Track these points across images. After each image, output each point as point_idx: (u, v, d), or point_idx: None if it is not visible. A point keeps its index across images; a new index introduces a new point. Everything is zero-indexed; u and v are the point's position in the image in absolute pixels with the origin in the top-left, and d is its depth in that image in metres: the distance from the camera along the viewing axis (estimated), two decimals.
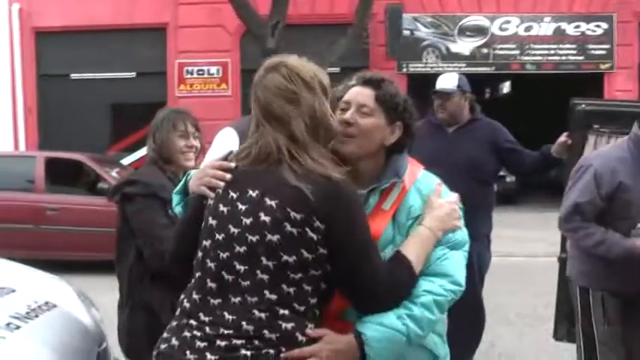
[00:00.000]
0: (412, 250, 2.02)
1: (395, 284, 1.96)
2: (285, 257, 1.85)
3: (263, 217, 1.86)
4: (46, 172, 9.59)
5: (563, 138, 4.25)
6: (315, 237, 1.86)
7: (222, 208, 1.94)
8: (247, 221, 1.88)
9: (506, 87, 25.10)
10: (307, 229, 1.85)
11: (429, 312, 2.00)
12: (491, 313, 6.60)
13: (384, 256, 2.07)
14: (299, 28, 13.87)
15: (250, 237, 1.87)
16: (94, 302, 3.40)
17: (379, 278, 1.93)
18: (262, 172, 1.94)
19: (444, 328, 2.29)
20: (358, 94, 2.19)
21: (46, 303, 2.87)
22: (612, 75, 15.92)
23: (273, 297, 1.85)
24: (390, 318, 1.97)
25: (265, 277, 1.85)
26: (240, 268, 1.88)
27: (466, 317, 4.64)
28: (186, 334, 1.90)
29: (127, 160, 13.69)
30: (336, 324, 2.01)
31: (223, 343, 1.83)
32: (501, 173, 16.85)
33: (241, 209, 1.90)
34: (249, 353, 1.80)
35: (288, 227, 1.85)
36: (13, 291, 2.90)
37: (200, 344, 1.86)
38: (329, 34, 13.26)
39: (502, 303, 7.18)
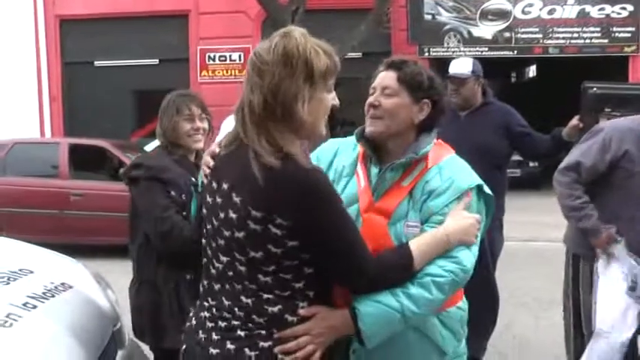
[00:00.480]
0: (420, 247, 2.01)
1: (384, 274, 1.95)
2: (252, 253, 1.86)
3: (231, 214, 1.88)
4: (70, 158, 9.73)
5: (574, 121, 4.26)
6: (279, 232, 1.83)
7: (208, 198, 1.99)
8: (222, 215, 1.91)
9: (531, 71, 24.89)
10: (270, 226, 1.83)
11: (426, 292, 2.01)
12: (508, 297, 6.64)
13: (394, 230, 2.13)
14: (320, 13, 13.86)
15: (225, 231, 1.91)
16: (115, 285, 3.49)
17: (362, 269, 1.91)
18: (234, 157, 1.92)
19: (459, 325, 2.29)
20: (383, 77, 2.26)
21: (63, 284, 2.95)
22: (637, 58, 15.67)
23: (254, 286, 1.88)
24: (385, 295, 2.00)
25: (243, 268, 1.89)
26: (223, 259, 1.93)
27: (479, 301, 4.67)
28: (202, 314, 2.00)
29: (149, 147, 13.79)
30: (341, 295, 2.05)
31: (224, 324, 1.91)
32: (522, 159, 16.56)
33: (218, 202, 1.93)
34: (243, 334, 1.87)
35: (252, 225, 1.84)
36: (32, 272, 2.98)
37: (209, 324, 1.95)
38: (350, 19, 13.25)
39: (520, 286, 7.20)
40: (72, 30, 16.23)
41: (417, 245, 2.01)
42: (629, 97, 4.07)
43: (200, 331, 1.96)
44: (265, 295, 1.88)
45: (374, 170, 2.25)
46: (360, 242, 1.93)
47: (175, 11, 15.69)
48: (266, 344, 1.86)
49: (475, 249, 2.16)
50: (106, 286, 3.35)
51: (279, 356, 1.86)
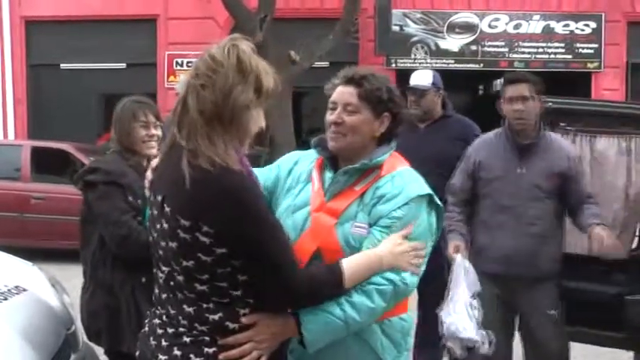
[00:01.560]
0: (352, 267, 2.02)
1: (313, 292, 1.95)
2: (185, 262, 1.89)
3: (164, 225, 1.90)
4: (32, 161, 9.65)
5: None
6: (207, 240, 1.85)
7: (149, 210, 2.03)
8: (158, 226, 1.94)
9: (499, 84, 25.17)
10: (197, 234, 1.85)
11: (369, 300, 2.06)
12: None
13: (342, 230, 2.17)
14: (288, 22, 13.92)
15: (162, 242, 1.94)
16: (75, 288, 3.48)
17: (289, 286, 1.91)
18: (168, 165, 1.93)
19: (400, 336, 2.31)
20: (342, 93, 2.30)
21: (16, 287, 2.95)
22: (600, 74, 15.98)
23: (192, 295, 1.91)
24: (330, 303, 2.03)
25: (180, 278, 1.92)
26: (164, 269, 1.96)
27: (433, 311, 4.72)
28: (153, 321, 2.02)
29: None
30: None
31: (171, 331, 1.94)
32: None
33: (155, 214, 1.97)
34: (189, 340, 1.90)
35: (181, 234, 1.86)
36: None
37: (159, 331, 1.98)
38: (318, 29, 13.29)
39: None
40: (38, 32, 16.01)
41: (348, 265, 2.02)
42: (584, 112, 4.14)
43: (151, 338, 1.99)
44: (205, 304, 1.90)
45: (328, 175, 2.31)
46: (287, 258, 1.92)
47: (144, 15, 15.59)
48: (210, 350, 1.88)
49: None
50: (61, 289, 3.34)
51: None
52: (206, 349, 1.88)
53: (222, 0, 12.28)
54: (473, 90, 17.07)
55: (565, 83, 13.95)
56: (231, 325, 1.90)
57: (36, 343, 2.65)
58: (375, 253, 2.08)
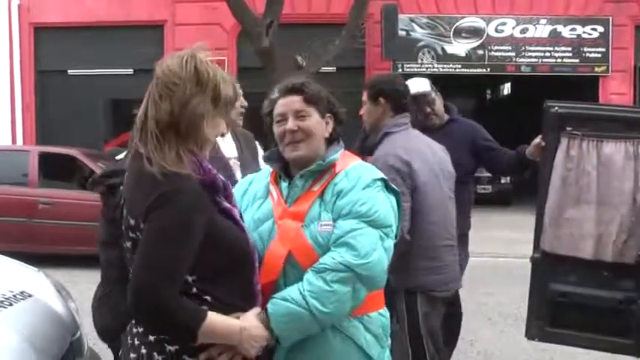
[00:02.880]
0: (213, 322, 1.92)
1: (165, 314, 1.87)
2: None
3: (124, 227, 1.98)
4: (40, 166, 9.67)
5: (537, 140, 4.31)
6: None
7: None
8: (122, 229, 2.00)
9: (506, 89, 25.15)
10: (139, 233, 1.92)
11: (325, 284, 2.11)
12: (473, 312, 6.69)
13: (309, 232, 2.20)
14: (295, 27, 13.96)
15: (124, 244, 2.01)
16: (82, 294, 3.49)
17: (135, 293, 1.87)
18: (130, 170, 2.01)
19: (381, 330, 2.33)
20: (290, 103, 2.35)
21: (22, 293, 2.95)
22: (607, 78, 15.98)
23: None
24: (292, 291, 2.12)
25: None
26: (130, 269, 1.98)
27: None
28: (132, 320, 2.06)
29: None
30: (262, 299, 2.13)
31: (141, 330, 1.99)
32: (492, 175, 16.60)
33: (121, 216, 2.03)
34: (152, 339, 1.95)
35: (131, 233, 1.95)
36: None
37: (134, 330, 2.03)
38: (325, 34, 13.32)
39: (485, 302, 7.27)
40: (46, 38, 16.13)
41: (211, 316, 1.93)
42: (590, 116, 4.11)
43: (129, 337, 2.04)
44: None
45: (284, 184, 2.36)
46: (159, 273, 1.85)
47: (151, 21, 15.68)
48: (172, 348, 1.93)
49: (388, 243, 2.23)
50: (67, 295, 3.34)
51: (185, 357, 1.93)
52: (168, 347, 1.93)
53: (229, 6, 12.33)
54: (479, 94, 17.15)
55: (572, 87, 13.96)
56: None
57: (41, 348, 2.65)
58: (239, 324, 1.99)
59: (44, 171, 9.75)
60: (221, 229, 1.98)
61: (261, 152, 3.90)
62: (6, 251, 3.84)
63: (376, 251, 2.18)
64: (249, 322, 2.02)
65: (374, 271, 2.18)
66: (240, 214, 2.15)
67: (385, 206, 2.26)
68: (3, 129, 15.81)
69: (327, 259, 2.14)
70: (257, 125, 4.34)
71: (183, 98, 1.94)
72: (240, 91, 3.94)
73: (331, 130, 2.38)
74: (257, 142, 4.34)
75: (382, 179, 2.31)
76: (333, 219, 2.22)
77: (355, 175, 2.29)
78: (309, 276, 2.13)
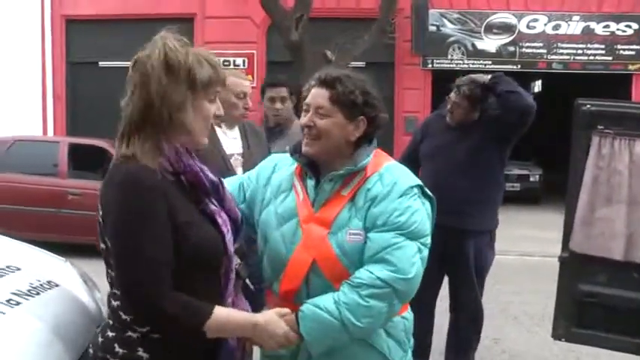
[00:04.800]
0: (223, 317, 1.90)
1: (170, 312, 1.84)
2: (109, 259, 1.95)
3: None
4: (70, 157, 9.78)
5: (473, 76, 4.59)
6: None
7: None
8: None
9: (537, 86, 24.86)
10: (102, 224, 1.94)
11: (361, 299, 2.04)
12: (499, 311, 6.65)
13: (336, 239, 2.13)
14: (325, 22, 13.92)
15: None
16: (107, 285, 3.50)
17: (127, 294, 1.88)
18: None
19: (403, 334, 2.29)
20: (315, 96, 2.23)
21: (49, 282, 2.97)
22: None
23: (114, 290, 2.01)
24: (327, 300, 2.06)
25: (112, 274, 1.98)
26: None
27: (461, 314, 4.69)
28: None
29: None
30: (284, 305, 2.09)
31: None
32: (525, 172, 16.63)
33: None
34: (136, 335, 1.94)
35: (99, 229, 1.94)
36: (19, 269, 3.00)
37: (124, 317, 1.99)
38: (354, 29, 13.27)
39: (511, 301, 7.21)
40: (77, 30, 16.27)
41: (218, 314, 1.88)
42: (622, 114, 4.05)
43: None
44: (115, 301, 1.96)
45: (310, 183, 2.26)
46: (138, 273, 1.83)
47: (181, 14, 15.72)
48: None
49: (425, 252, 2.15)
50: (93, 285, 3.36)
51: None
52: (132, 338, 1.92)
53: None
54: None
55: (604, 85, 13.74)
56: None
57: (66, 338, 2.66)
58: (252, 319, 1.97)
59: (74, 162, 9.86)
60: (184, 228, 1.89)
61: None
62: (35, 240, 3.87)
63: (414, 265, 2.11)
64: (265, 318, 1.98)
65: (412, 285, 2.11)
66: (242, 219, 2.09)
67: (422, 215, 2.17)
68: (34, 120, 15.99)
69: (364, 274, 2.06)
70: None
71: (158, 89, 1.89)
72: (244, 81, 3.92)
73: (360, 134, 2.23)
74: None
75: (418, 185, 2.21)
76: (365, 227, 2.13)
77: (390, 179, 2.18)
78: (346, 289, 2.06)
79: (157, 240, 1.84)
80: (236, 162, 3.82)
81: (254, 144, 3.97)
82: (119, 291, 1.91)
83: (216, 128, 3.81)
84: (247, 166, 3.62)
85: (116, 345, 1.92)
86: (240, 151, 3.89)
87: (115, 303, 1.97)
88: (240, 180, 2.46)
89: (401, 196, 2.14)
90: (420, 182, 2.23)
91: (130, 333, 1.92)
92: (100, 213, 1.93)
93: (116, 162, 1.91)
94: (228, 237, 2.00)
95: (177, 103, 1.91)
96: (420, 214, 2.16)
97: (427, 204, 2.23)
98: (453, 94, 4.55)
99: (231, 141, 3.91)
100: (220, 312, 1.89)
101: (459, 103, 4.52)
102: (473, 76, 4.59)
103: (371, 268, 2.07)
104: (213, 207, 1.99)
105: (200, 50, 1.99)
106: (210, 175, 2.02)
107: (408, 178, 2.22)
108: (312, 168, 2.28)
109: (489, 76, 4.46)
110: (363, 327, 2.06)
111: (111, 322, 1.99)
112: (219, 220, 1.98)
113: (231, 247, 2.00)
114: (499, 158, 4.59)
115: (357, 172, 2.21)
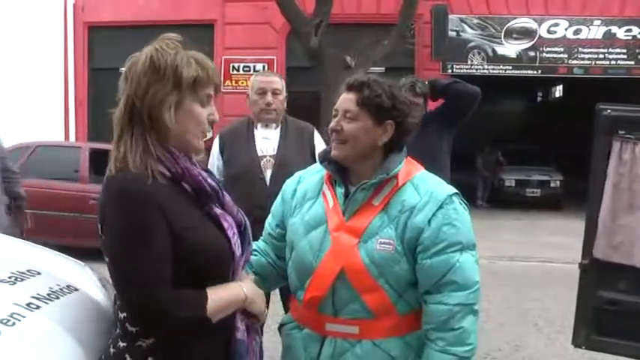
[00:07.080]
0: (218, 296, 1.90)
1: (170, 308, 1.85)
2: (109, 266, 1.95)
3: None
4: (91, 162, 9.86)
5: None
6: None
7: None
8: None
9: (558, 91, 24.70)
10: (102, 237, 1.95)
11: (453, 330, 2.07)
12: (519, 317, 6.60)
13: (365, 249, 2.12)
14: (344, 27, 13.95)
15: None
16: None
17: (127, 299, 1.93)
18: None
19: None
20: (343, 100, 2.24)
21: (68, 286, 2.98)
22: None
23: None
24: (434, 356, 2.09)
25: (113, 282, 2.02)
26: None
27: None
28: None
29: None
30: (307, 313, 2.10)
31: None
32: (546, 178, 16.54)
33: None
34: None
35: (100, 232, 1.96)
36: (39, 274, 3.02)
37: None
38: (374, 34, 13.27)
39: (532, 308, 7.14)
40: (99, 37, 16.45)
41: (216, 295, 1.89)
42: None
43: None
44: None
45: (339, 190, 2.24)
46: (138, 276, 1.84)
47: (202, 20, 15.84)
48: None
49: (477, 256, 2.17)
50: (112, 290, 3.37)
51: None
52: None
53: (279, 5, 12.38)
54: (530, 96, 16.85)
55: (626, 90, 13.61)
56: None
57: (85, 342, 2.67)
58: (241, 290, 1.97)
59: (95, 167, 9.93)
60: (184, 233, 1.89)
61: (321, 147, 3.77)
62: (56, 245, 3.90)
63: (476, 272, 2.14)
64: (247, 289, 1.98)
65: (479, 287, 2.15)
66: (246, 224, 2.08)
67: (467, 224, 2.17)
68: (56, 125, 16.17)
69: (440, 310, 2.08)
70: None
71: (140, 88, 1.89)
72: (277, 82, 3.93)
73: (388, 138, 2.22)
74: (319, 136, 4.21)
75: (456, 194, 2.20)
76: (400, 238, 2.12)
77: (426, 189, 2.17)
78: (436, 334, 2.08)
79: (152, 254, 1.83)
80: (267, 164, 3.80)
81: (296, 143, 3.93)
82: (120, 311, 1.95)
83: (255, 130, 3.83)
84: (282, 168, 3.61)
85: (127, 355, 1.95)
86: (273, 152, 3.86)
87: (121, 315, 2.02)
88: (270, 217, 2.49)
89: (441, 207, 2.13)
90: (455, 190, 2.23)
91: (140, 342, 1.94)
92: (99, 226, 1.96)
93: (109, 174, 1.92)
94: (234, 240, 1.98)
95: (158, 101, 1.88)
96: (466, 221, 2.17)
97: (467, 211, 2.23)
98: (409, 95, 4.58)
99: (262, 141, 3.89)
100: (210, 293, 1.88)
101: (417, 102, 4.56)
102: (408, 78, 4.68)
103: (441, 299, 2.09)
104: (218, 210, 1.98)
105: (195, 53, 1.98)
106: (210, 180, 2.01)
107: (443, 187, 2.22)
108: (341, 175, 2.27)
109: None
110: (473, 346, 2.10)
111: (121, 332, 2.02)
112: (225, 224, 1.97)
113: (237, 251, 1.98)
114: (449, 145, 4.66)
115: (388, 180, 2.19)
